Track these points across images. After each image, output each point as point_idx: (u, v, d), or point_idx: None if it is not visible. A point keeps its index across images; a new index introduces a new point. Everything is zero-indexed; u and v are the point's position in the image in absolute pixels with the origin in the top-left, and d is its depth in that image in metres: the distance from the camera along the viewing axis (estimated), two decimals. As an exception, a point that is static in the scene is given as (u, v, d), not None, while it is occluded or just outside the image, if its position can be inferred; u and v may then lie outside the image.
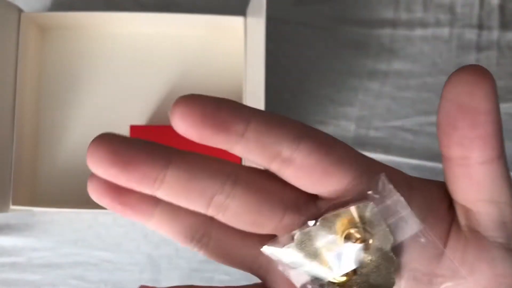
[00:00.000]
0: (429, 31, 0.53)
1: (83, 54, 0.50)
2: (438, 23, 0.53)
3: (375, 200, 0.19)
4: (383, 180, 0.19)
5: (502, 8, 0.53)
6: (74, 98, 0.50)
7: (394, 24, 0.53)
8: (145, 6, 0.52)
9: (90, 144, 0.18)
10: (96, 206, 0.48)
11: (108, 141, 0.18)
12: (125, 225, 0.50)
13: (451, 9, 0.53)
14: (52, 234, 0.49)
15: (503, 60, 0.53)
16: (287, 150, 0.18)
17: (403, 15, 0.53)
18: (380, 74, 0.52)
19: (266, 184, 0.19)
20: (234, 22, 0.47)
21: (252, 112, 0.18)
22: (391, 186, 0.19)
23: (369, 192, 0.19)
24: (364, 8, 0.53)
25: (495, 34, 0.53)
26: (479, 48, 0.53)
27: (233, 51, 0.50)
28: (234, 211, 0.19)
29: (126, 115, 0.49)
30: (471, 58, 0.53)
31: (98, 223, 0.50)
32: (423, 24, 0.53)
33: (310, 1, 0.53)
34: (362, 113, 0.51)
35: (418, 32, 0.53)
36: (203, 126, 0.17)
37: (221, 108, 0.17)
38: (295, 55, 0.52)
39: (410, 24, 0.53)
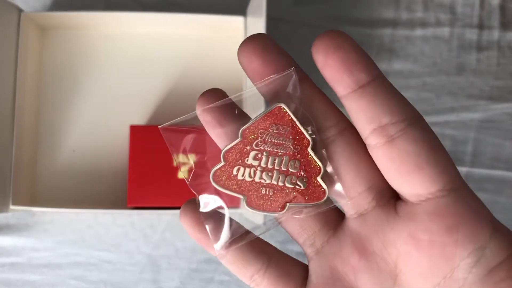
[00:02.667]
0: (429, 31, 0.53)
1: (83, 53, 0.50)
2: (438, 23, 0.53)
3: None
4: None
5: (502, 8, 0.53)
6: (74, 98, 0.50)
7: (394, 24, 0.53)
8: (145, 6, 0.52)
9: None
10: (96, 206, 0.48)
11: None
12: (125, 225, 0.50)
13: (451, 9, 0.53)
14: (51, 234, 0.49)
15: (503, 60, 0.53)
16: (393, 127, 0.18)
17: (404, 15, 0.53)
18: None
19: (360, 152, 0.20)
20: (234, 22, 0.47)
21: (379, 73, 0.18)
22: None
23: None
24: (365, 8, 0.53)
25: (495, 34, 0.53)
26: (479, 48, 0.53)
27: (233, 51, 0.50)
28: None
29: (126, 115, 0.49)
30: (471, 58, 0.53)
31: (97, 223, 0.50)
32: (424, 24, 0.53)
33: (310, 1, 0.53)
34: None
35: (419, 32, 0.53)
36: (336, 60, 0.18)
37: (358, 53, 0.18)
38: (295, 55, 0.52)
39: (411, 24, 0.53)
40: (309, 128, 0.20)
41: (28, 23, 0.47)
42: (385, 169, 0.19)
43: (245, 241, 0.21)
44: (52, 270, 0.49)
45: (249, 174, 0.20)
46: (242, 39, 0.48)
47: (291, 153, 0.20)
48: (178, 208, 0.46)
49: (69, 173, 0.49)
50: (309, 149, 0.20)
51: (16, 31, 0.46)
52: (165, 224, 0.50)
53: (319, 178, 0.20)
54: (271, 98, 0.20)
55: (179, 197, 0.45)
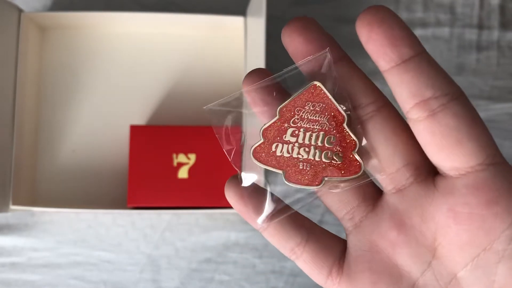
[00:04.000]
0: (429, 31, 0.53)
1: (83, 53, 0.50)
2: (438, 23, 0.53)
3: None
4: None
5: (502, 8, 0.53)
6: (74, 98, 0.50)
7: (394, 24, 0.53)
8: (145, 6, 0.52)
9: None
10: (96, 206, 0.48)
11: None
12: (125, 225, 0.50)
13: (451, 9, 0.53)
14: (51, 234, 0.49)
15: (503, 60, 0.53)
16: (435, 101, 0.18)
17: (403, 15, 0.53)
18: (381, 74, 0.52)
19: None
20: (234, 22, 0.47)
21: (423, 49, 0.19)
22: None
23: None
24: (365, 8, 0.53)
25: (495, 34, 0.53)
26: (479, 48, 0.53)
27: (233, 51, 0.50)
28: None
29: (126, 115, 0.49)
30: (471, 58, 0.53)
31: (97, 223, 0.50)
32: (423, 24, 0.53)
33: (310, 1, 0.53)
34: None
35: (418, 32, 0.53)
36: (380, 34, 0.18)
37: (402, 28, 0.18)
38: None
39: (410, 24, 0.53)
40: (344, 105, 0.20)
41: (28, 23, 0.47)
42: (426, 143, 0.19)
43: (286, 214, 0.22)
44: (52, 270, 0.49)
45: (287, 150, 0.21)
46: (242, 39, 0.48)
47: (327, 129, 0.21)
48: (178, 208, 0.46)
49: (69, 173, 0.49)
50: (344, 125, 0.21)
51: (16, 31, 0.46)
52: (165, 224, 0.50)
53: (354, 153, 0.21)
54: (309, 77, 0.21)
55: (179, 197, 0.45)
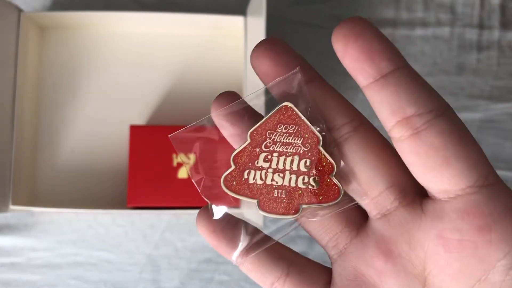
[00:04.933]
0: (429, 31, 0.53)
1: (82, 53, 0.50)
2: (438, 23, 0.53)
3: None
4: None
5: (502, 8, 0.53)
6: (73, 98, 0.50)
7: (394, 23, 0.53)
8: (145, 6, 0.52)
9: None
10: (96, 206, 0.48)
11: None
12: (125, 225, 0.50)
13: (451, 8, 0.53)
14: (51, 234, 0.49)
15: (503, 60, 0.53)
16: (419, 118, 0.17)
17: (404, 15, 0.53)
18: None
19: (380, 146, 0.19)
20: (234, 21, 0.47)
21: (404, 62, 0.17)
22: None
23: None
24: (365, 8, 0.53)
25: (495, 34, 0.53)
26: (479, 47, 0.53)
27: (233, 51, 0.50)
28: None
29: (126, 115, 0.49)
30: (471, 58, 0.53)
31: (97, 223, 0.50)
32: (424, 24, 0.53)
33: (310, 0, 0.53)
34: (363, 112, 0.51)
35: (419, 31, 0.53)
36: (357, 48, 0.17)
37: (380, 41, 0.17)
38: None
39: (411, 24, 0.53)
40: (318, 126, 0.19)
41: (27, 23, 0.47)
42: (411, 164, 0.18)
43: (263, 248, 0.20)
44: (51, 270, 0.49)
45: (260, 177, 0.20)
46: (242, 39, 0.48)
47: (301, 152, 0.20)
48: (178, 208, 0.46)
49: (69, 173, 0.49)
50: (320, 147, 0.19)
51: (16, 31, 0.46)
52: (165, 224, 0.50)
53: (332, 176, 0.19)
54: (280, 98, 0.20)
55: (179, 197, 0.45)
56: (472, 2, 0.53)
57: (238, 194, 0.20)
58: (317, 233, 0.21)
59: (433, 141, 0.17)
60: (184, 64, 0.50)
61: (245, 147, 0.20)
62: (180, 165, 0.45)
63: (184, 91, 0.50)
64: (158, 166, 0.45)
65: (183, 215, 0.50)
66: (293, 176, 0.20)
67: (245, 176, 0.20)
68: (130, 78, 0.50)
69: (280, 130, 0.20)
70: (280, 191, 0.20)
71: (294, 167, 0.20)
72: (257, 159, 0.20)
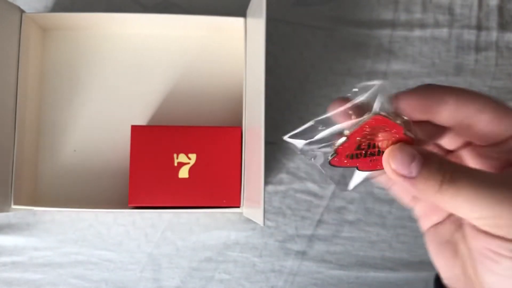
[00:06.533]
0: (428, 32, 0.53)
1: (84, 54, 0.50)
2: (437, 24, 0.53)
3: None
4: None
5: (500, 9, 0.54)
6: (75, 99, 0.50)
7: (393, 24, 0.53)
8: (145, 7, 0.52)
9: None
10: (97, 205, 0.48)
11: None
12: (126, 224, 0.50)
13: (450, 10, 0.54)
14: (53, 233, 0.50)
15: (501, 61, 0.53)
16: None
17: (402, 16, 0.53)
18: (379, 74, 0.52)
19: None
20: (234, 23, 0.48)
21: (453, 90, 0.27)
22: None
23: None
24: (364, 9, 0.53)
25: (493, 35, 0.53)
26: (477, 48, 0.53)
27: (234, 52, 0.50)
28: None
29: (127, 115, 0.49)
30: (469, 59, 0.53)
31: (99, 223, 0.50)
32: (422, 25, 0.53)
33: (310, 2, 0.53)
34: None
35: (417, 32, 0.53)
36: None
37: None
38: (295, 56, 0.52)
39: (409, 25, 0.53)
40: (401, 117, 0.26)
41: (29, 24, 0.47)
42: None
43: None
44: (53, 269, 0.49)
45: (357, 155, 0.27)
46: (242, 40, 0.49)
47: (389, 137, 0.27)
48: (179, 207, 0.46)
49: (71, 172, 0.49)
50: (405, 132, 0.26)
51: (17, 32, 0.46)
52: (166, 224, 0.50)
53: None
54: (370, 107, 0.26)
55: (180, 196, 0.45)
56: (470, 3, 0.54)
57: (344, 166, 0.28)
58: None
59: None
60: (185, 65, 0.50)
61: (345, 143, 0.27)
62: (181, 165, 0.45)
63: (184, 91, 0.50)
64: (159, 166, 0.45)
65: (184, 215, 0.50)
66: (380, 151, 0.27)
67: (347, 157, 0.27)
68: (131, 78, 0.50)
69: (369, 131, 0.26)
70: (372, 158, 0.28)
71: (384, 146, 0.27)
72: (355, 147, 0.27)
